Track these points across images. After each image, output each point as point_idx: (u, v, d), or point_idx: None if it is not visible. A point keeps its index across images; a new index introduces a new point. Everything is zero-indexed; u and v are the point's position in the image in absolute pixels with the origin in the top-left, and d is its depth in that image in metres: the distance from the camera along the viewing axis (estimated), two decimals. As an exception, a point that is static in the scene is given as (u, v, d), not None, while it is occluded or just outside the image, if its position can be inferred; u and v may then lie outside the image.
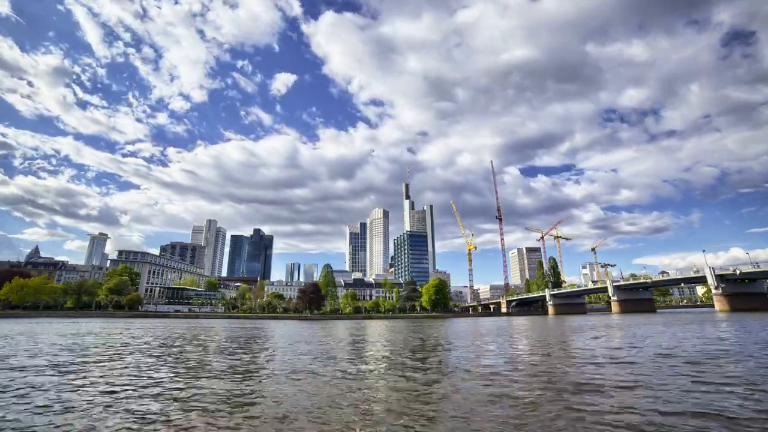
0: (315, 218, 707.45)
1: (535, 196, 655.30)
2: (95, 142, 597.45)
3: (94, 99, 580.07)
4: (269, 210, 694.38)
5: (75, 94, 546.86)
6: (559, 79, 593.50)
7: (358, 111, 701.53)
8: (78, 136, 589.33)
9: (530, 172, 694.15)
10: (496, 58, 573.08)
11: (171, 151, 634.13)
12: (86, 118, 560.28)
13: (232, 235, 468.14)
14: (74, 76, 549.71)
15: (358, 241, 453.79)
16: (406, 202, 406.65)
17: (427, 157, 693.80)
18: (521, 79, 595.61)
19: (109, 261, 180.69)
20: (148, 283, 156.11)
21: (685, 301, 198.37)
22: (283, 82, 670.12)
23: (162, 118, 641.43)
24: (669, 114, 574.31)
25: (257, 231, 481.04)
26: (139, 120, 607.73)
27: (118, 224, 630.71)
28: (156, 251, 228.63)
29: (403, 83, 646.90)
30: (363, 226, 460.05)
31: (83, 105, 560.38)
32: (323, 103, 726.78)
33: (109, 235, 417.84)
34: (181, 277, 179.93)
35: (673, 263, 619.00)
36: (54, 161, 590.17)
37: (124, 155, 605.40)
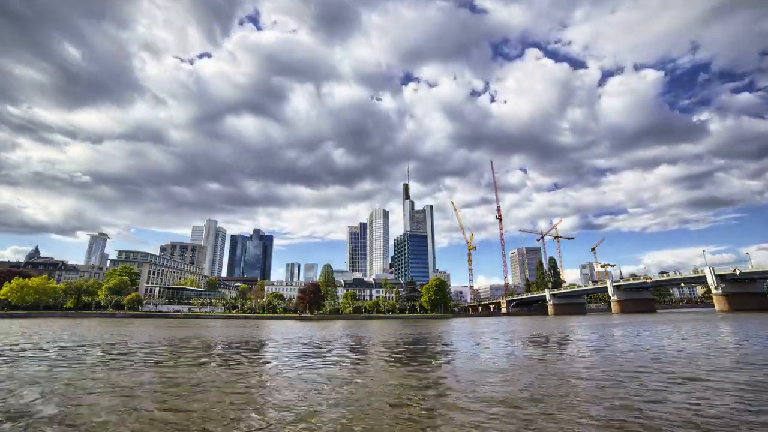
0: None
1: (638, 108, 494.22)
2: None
3: None
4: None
5: None
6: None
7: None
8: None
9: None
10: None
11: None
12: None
13: (231, 235, 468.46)
14: None
15: (358, 241, 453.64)
16: (406, 202, 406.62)
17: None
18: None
19: (109, 261, 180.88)
20: (148, 283, 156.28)
21: (685, 300, 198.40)
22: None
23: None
24: None
25: (257, 231, 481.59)
26: None
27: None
28: (156, 251, 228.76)
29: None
30: (363, 226, 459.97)
31: None
32: None
33: (109, 235, 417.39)
34: (181, 277, 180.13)
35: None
36: None
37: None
